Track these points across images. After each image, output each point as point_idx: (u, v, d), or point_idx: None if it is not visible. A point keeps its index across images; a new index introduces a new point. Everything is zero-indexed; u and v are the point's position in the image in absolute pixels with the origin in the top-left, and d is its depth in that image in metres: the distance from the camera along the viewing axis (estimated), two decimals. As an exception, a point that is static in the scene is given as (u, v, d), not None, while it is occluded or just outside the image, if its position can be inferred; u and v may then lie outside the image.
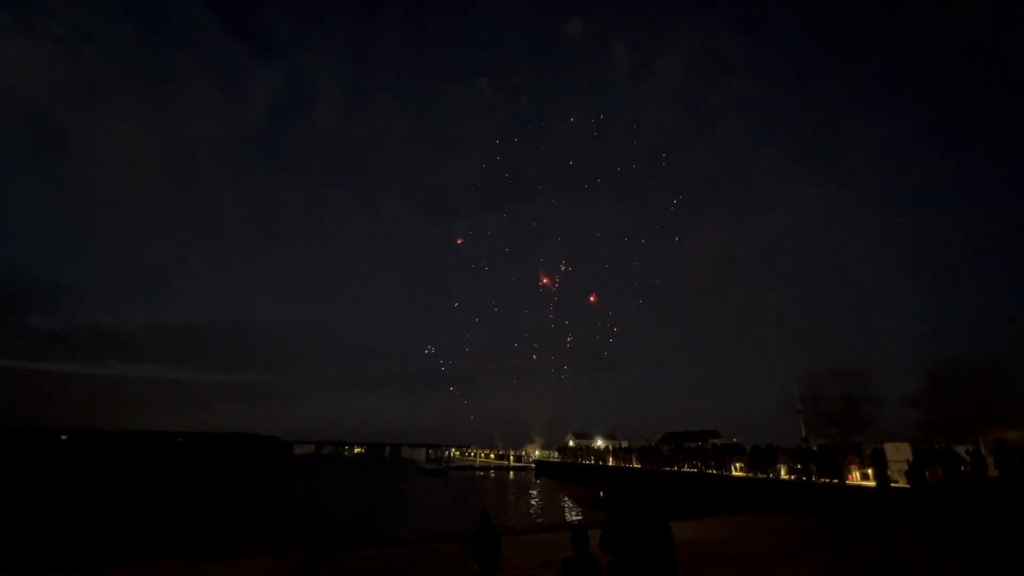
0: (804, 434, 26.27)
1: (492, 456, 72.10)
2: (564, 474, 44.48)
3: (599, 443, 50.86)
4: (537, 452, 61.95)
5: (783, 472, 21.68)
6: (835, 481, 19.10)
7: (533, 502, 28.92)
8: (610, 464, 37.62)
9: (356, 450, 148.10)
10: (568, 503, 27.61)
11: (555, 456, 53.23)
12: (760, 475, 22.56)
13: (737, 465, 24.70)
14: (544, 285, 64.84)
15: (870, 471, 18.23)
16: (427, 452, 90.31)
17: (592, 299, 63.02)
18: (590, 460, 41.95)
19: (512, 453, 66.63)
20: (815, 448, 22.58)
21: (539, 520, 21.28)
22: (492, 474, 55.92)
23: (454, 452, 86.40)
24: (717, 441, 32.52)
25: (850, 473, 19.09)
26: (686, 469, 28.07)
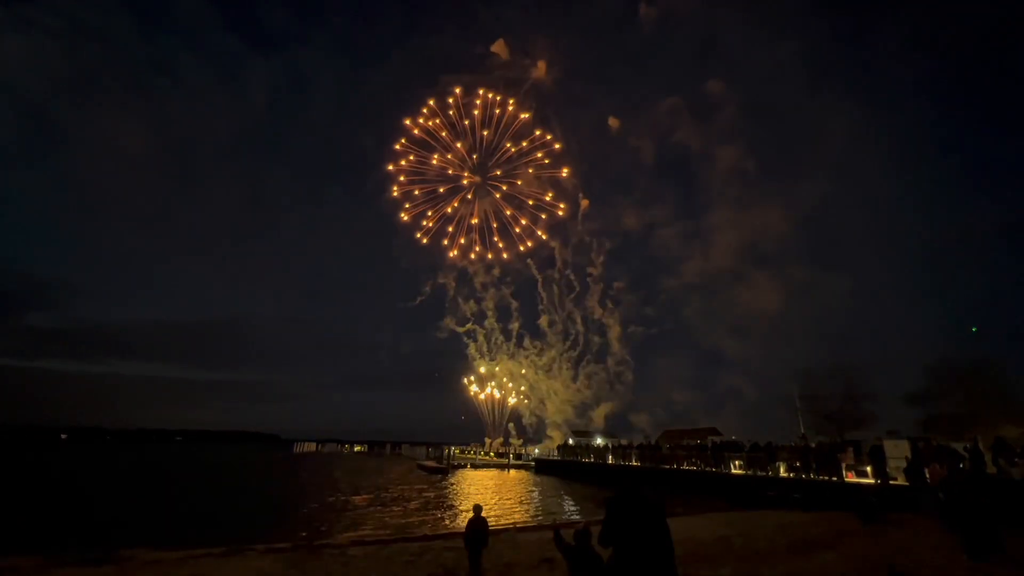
0: (802, 431, 26.33)
1: (492, 454, 72.19)
2: (564, 472, 44.58)
3: (599, 441, 50.92)
4: (536, 450, 61.94)
5: (782, 469, 21.76)
6: (834, 478, 19.17)
7: (532, 500, 28.98)
8: (609, 462, 37.70)
9: (357, 448, 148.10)
10: (568, 501, 27.67)
11: (555, 454, 53.33)
12: (759, 472, 22.64)
13: (736, 463, 24.78)
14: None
15: (868, 468, 18.30)
16: (427, 450, 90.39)
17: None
18: (590, 458, 42.03)
19: (511, 451, 66.73)
20: (814, 445, 22.64)
21: (538, 518, 21.32)
22: (492, 471, 56.03)
23: (454, 450, 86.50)
24: (716, 439, 32.58)
25: (848, 471, 19.16)
26: (685, 467, 28.15)
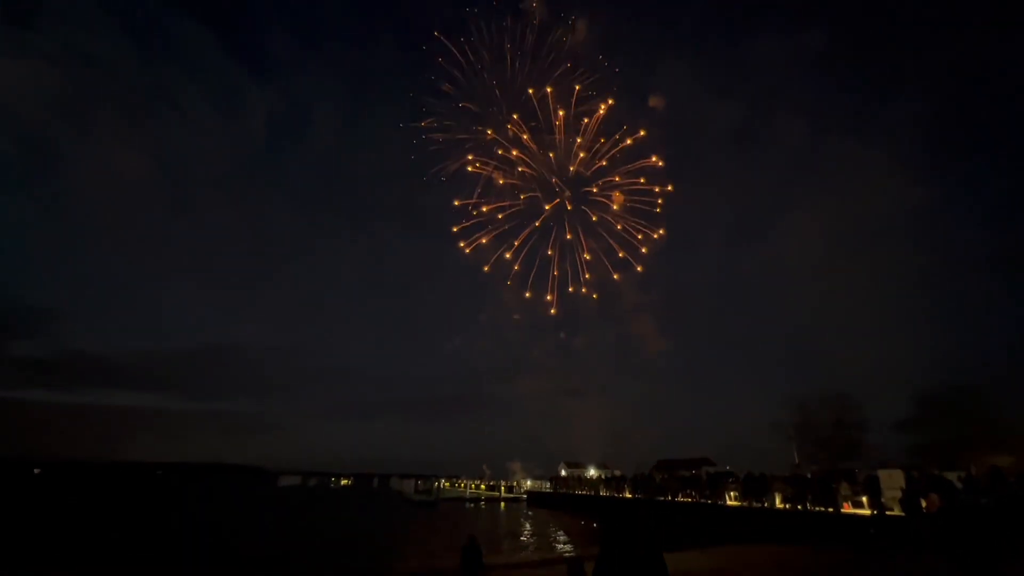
0: (796, 460, 26.09)
1: (483, 487, 70.41)
2: (556, 504, 43.47)
3: (592, 472, 49.97)
4: (529, 483, 60.54)
5: (778, 500, 21.38)
6: (830, 509, 18.86)
7: (525, 534, 28.11)
8: (603, 494, 36.88)
9: (343, 482, 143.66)
10: (561, 535, 26.87)
11: (547, 486, 52.13)
12: (755, 504, 22.23)
13: (731, 494, 24.33)
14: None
15: (864, 499, 18.05)
16: (416, 483, 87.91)
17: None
18: (584, 490, 41.12)
19: (503, 483, 65.16)
20: (808, 475, 22.37)
21: (531, 554, 20.66)
22: (483, 505, 54.48)
23: (444, 483, 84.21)
24: (710, 469, 32.10)
25: (845, 502, 18.86)
26: (680, 499, 27.57)
